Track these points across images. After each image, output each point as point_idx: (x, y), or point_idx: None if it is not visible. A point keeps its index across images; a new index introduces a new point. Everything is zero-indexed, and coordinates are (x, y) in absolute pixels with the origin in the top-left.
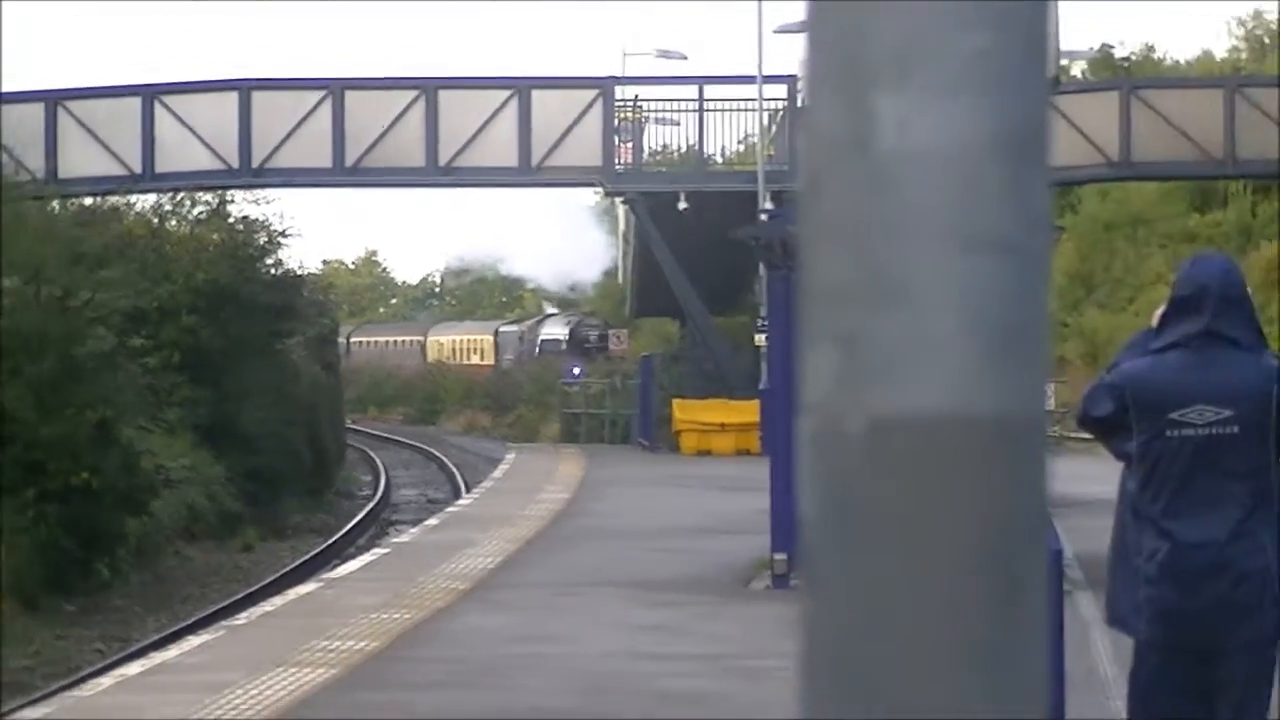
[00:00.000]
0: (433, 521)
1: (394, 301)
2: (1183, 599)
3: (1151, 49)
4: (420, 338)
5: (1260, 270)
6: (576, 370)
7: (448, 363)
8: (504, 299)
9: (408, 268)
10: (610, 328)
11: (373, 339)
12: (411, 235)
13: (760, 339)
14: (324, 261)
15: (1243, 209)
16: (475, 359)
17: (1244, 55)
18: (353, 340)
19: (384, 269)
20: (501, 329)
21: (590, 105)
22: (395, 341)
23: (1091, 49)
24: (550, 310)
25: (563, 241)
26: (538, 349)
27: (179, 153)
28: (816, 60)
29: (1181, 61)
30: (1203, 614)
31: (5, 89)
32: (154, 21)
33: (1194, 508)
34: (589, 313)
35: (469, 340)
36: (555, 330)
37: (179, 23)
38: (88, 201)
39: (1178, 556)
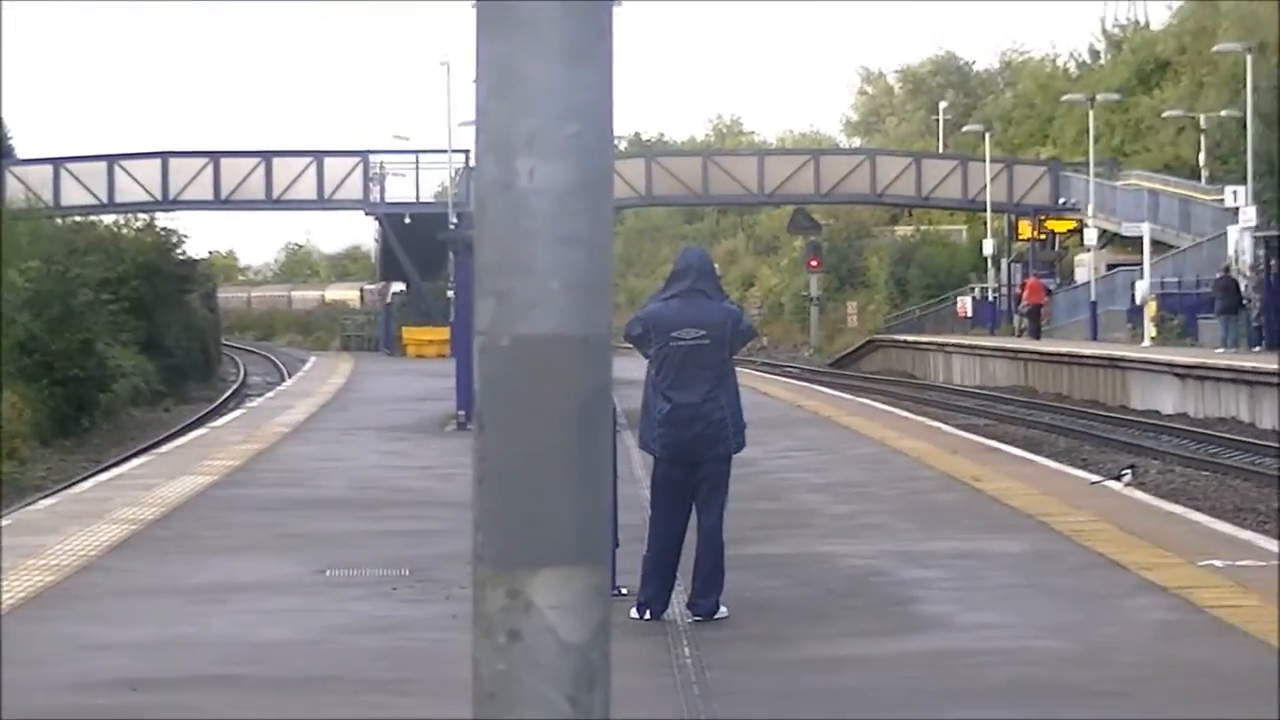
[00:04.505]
0: (270, 394)
1: (248, 273)
2: (678, 434)
3: (663, 135)
4: (322, 292)
5: (720, 255)
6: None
7: (336, 305)
8: (309, 271)
9: (254, 255)
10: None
11: (305, 294)
12: (256, 235)
13: (450, 294)
14: (209, 251)
15: (712, 221)
16: (352, 305)
17: (712, 137)
18: (294, 294)
19: (238, 258)
20: (365, 287)
21: (356, 165)
22: (310, 296)
23: (630, 134)
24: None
25: (342, 239)
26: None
27: (128, 191)
28: (482, 139)
29: (680, 140)
30: (689, 442)
31: (25, 156)
32: (117, 107)
33: (683, 384)
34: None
35: (347, 294)
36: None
37: (134, 109)
38: (78, 218)
39: (675, 411)
